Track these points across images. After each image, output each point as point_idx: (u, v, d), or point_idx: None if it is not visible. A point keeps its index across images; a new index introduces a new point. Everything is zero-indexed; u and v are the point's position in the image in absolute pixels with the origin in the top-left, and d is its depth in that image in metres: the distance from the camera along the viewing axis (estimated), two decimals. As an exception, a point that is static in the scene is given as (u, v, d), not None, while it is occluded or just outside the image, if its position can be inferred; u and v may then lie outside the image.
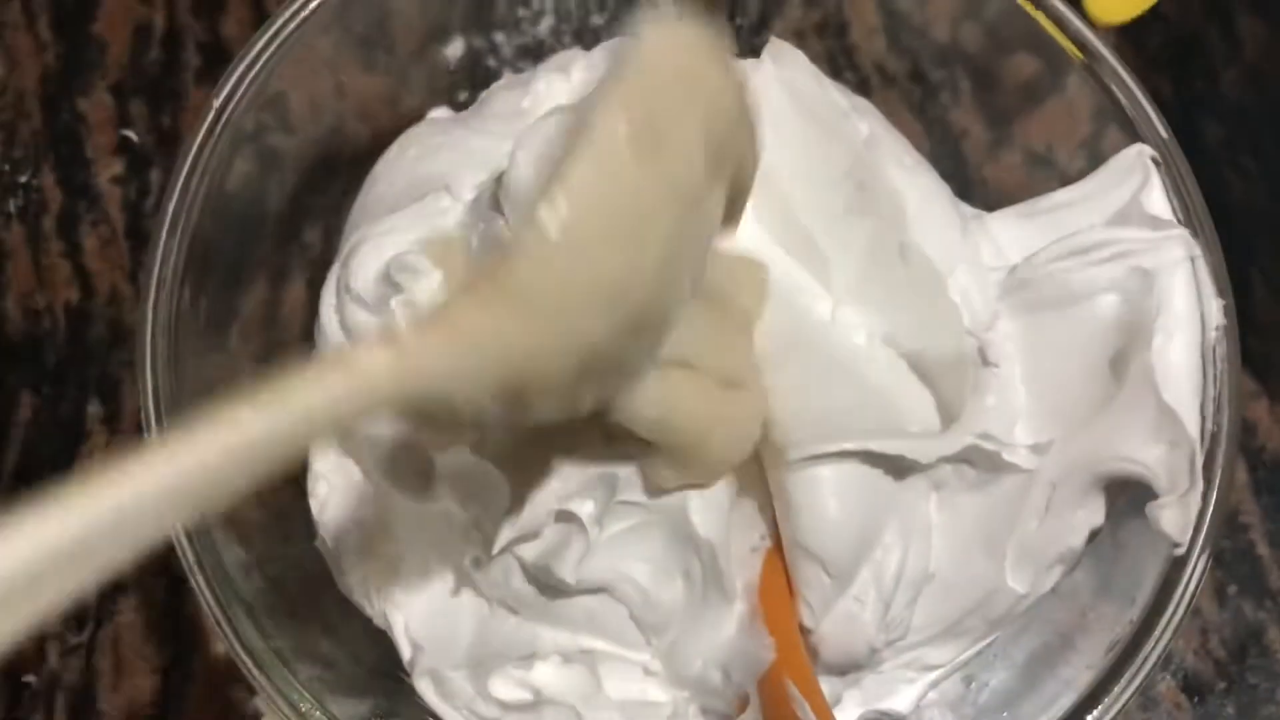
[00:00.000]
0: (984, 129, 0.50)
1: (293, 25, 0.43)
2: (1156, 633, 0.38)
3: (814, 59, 0.45)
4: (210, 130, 0.41)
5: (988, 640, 0.41)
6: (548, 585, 0.38)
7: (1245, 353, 0.53)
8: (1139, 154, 0.41)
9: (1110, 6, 0.47)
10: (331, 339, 0.40)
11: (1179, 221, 0.40)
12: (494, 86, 0.47)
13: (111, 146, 0.55)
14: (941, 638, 0.40)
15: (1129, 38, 0.57)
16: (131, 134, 0.56)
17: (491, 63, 0.53)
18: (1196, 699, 0.49)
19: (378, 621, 0.41)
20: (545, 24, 0.53)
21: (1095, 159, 0.43)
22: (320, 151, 0.48)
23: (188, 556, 0.37)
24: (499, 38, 0.53)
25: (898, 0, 0.52)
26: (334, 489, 0.41)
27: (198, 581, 0.37)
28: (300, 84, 0.46)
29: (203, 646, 0.48)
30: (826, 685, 0.39)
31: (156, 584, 0.49)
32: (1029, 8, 0.44)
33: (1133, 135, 0.42)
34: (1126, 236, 0.39)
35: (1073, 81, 0.45)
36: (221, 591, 0.37)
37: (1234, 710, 0.49)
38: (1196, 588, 0.38)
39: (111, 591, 0.49)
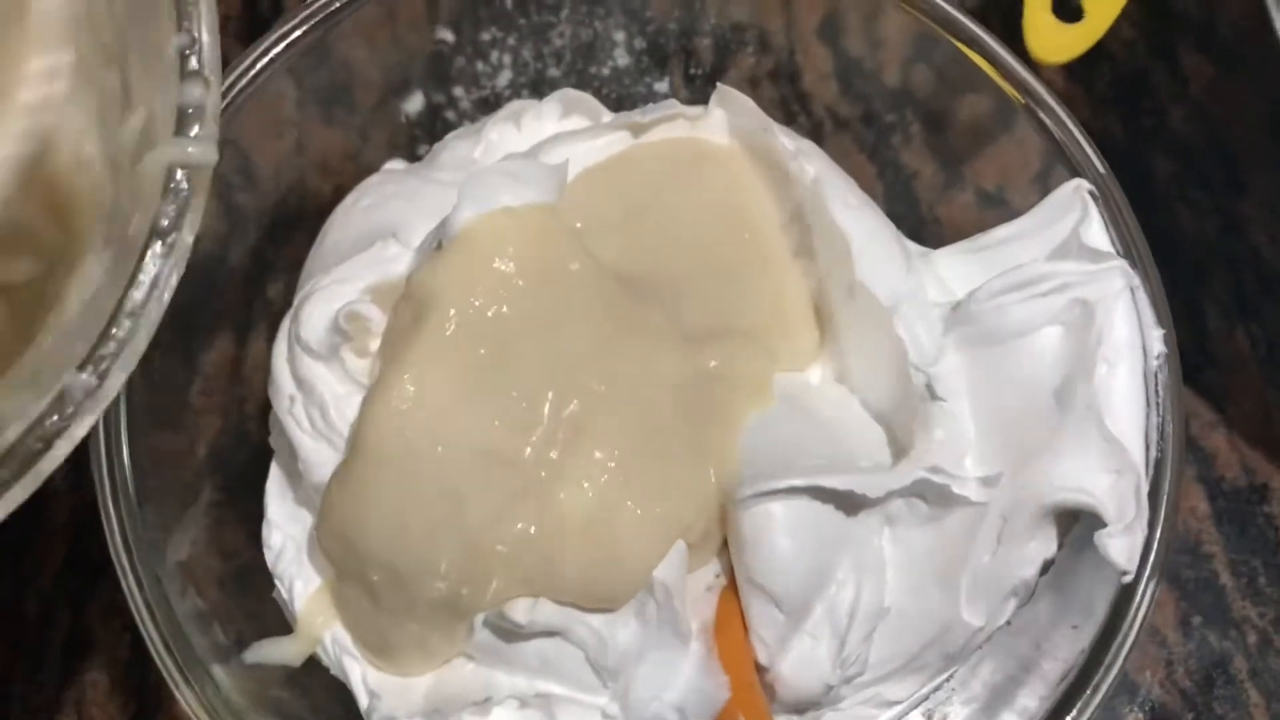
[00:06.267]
0: (936, 170, 0.51)
1: (250, 75, 0.44)
2: (1107, 661, 0.38)
3: (767, 106, 0.45)
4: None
5: (946, 674, 0.41)
6: (502, 629, 0.38)
7: (1202, 383, 0.53)
8: (1076, 188, 0.41)
9: (1051, 46, 0.48)
10: (284, 390, 0.40)
11: (1118, 253, 0.41)
12: (447, 137, 0.48)
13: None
14: (900, 673, 0.40)
15: (1077, 77, 0.58)
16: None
17: (451, 115, 0.54)
18: (1165, 731, 0.49)
19: (334, 671, 0.41)
20: (503, 77, 0.54)
21: (1046, 196, 0.44)
22: (282, 206, 0.48)
23: (140, 612, 0.37)
24: (458, 91, 0.54)
25: (849, 47, 0.53)
26: (289, 538, 0.41)
27: (150, 634, 0.37)
28: (261, 137, 0.46)
29: (166, 703, 0.48)
30: (785, 724, 0.39)
31: (121, 641, 0.49)
32: (971, 54, 0.45)
33: (1078, 172, 0.43)
34: (1067, 269, 0.39)
35: (1021, 122, 0.46)
36: (176, 645, 0.37)
37: (1203, 741, 0.49)
38: (1146, 615, 0.38)
39: (77, 649, 0.49)
